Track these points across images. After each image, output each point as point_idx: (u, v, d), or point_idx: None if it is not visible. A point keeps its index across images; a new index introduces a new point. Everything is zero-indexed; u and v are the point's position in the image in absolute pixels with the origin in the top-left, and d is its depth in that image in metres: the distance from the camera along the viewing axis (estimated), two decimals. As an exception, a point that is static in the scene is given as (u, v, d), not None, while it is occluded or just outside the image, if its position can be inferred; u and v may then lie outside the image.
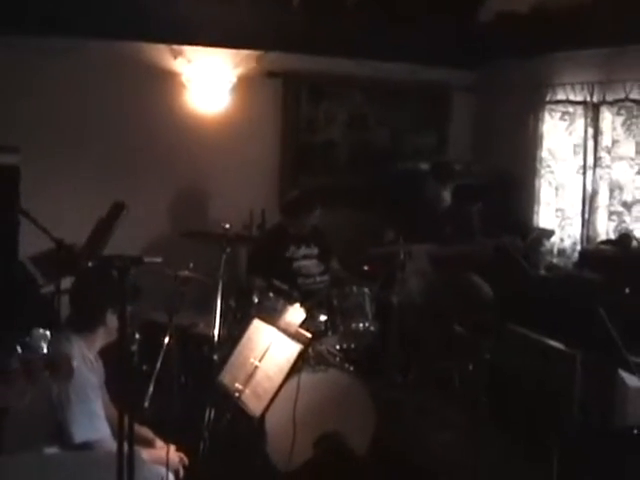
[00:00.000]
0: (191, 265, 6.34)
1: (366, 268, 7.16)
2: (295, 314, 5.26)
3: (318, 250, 7.12)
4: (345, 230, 8.11)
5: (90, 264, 4.40)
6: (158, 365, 6.11)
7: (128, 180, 7.67)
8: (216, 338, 5.97)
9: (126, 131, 7.78)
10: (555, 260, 7.94)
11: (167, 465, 4.08)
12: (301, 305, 5.53)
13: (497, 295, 7.12)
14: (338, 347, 6.21)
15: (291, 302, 5.71)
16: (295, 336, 4.89)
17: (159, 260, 3.58)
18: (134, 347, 5.35)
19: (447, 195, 7.49)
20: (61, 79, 7.48)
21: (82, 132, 7.62)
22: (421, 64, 8.63)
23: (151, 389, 5.99)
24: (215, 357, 5.88)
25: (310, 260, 7.05)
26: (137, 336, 5.38)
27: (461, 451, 5.69)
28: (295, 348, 4.73)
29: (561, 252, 7.97)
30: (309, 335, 5.03)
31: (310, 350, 5.46)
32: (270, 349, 4.90)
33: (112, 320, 4.14)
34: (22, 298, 6.08)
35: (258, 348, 5.00)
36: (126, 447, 3.14)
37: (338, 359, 5.90)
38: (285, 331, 4.98)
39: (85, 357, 4.19)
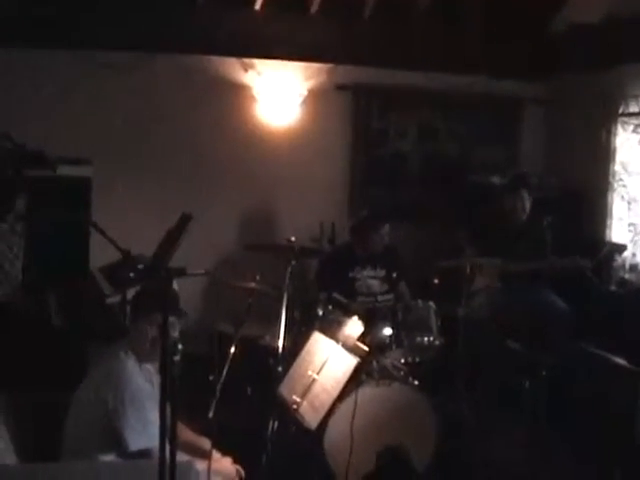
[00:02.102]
0: (258, 277, 6.36)
1: (436, 281, 7.10)
2: (354, 327, 5.27)
3: (385, 272, 7.10)
4: (414, 243, 8.08)
5: (132, 274, 4.45)
6: (223, 376, 6.14)
7: (197, 192, 7.78)
8: (280, 350, 6.00)
9: (196, 144, 7.88)
10: (627, 275, 7.79)
11: (208, 471, 4.07)
12: (362, 318, 5.54)
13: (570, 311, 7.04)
14: (403, 361, 6.18)
15: (350, 315, 5.72)
16: (353, 349, 4.90)
17: (202, 272, 3.60)
18: (177, 357, 5.37)
19: (528, 205, 7.38)
20: (132, 93, 7.62)
21: (151, 145, 7.76)
22: (492, 76, 8.55)
23: (215, 400, 6.02)
24: (280, 369, 5.90)
25: (373, 280, 7.05)
26: (180, 346, 5.41)
27: (524, 468, 5.63)
28: (352, 361, 4.74)
29: (633, 267, 7.79)
30: (367, 349, 5.04)
31: (374, 364, 5.47)
32: (328, 362, 4.92)
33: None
34: (90, 307, 6.19)
35: (316, 361, 5.01)
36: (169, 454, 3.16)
37: (402, 373, 5.87)
38: (343, 344, 4.99)
39: (143, 367, 4.25)
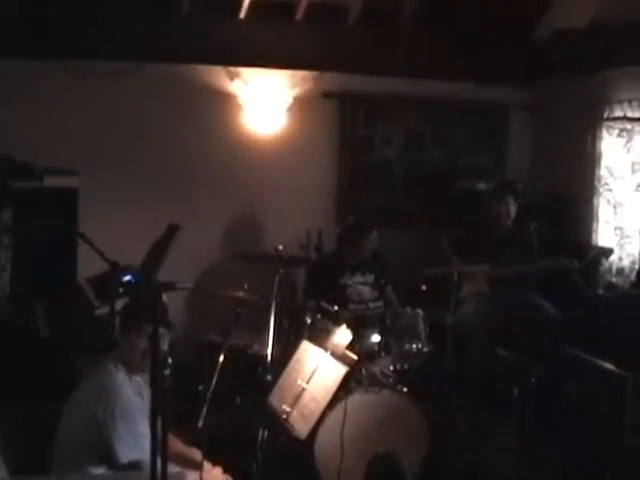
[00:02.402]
0: (246, 286, 6.36)
1: (424, 288, 7.11)
2: (342, 336, 5.27)
3: (374, 277, 7.12)
4: (402, 250, 8.09)
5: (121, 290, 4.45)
6: (212, 385, 6.13)
7: (184, 201, 7.79)
8: (269, 358, 6.01)
9: (182, 153, 7.89)
10: (614, 279, 7.83)
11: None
12: (350, 326, 5.55)
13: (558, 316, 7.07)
14: (392, 368, 6.19)
15: (339, 324, 5.73)
16: (342, 358, 4.90)
17: (190, 286, 3.60)
18: (167, 372, 5.36)
19: (514, 211, 7.41)
20: (118, 102, 7.62)
21: (138, 154, 7.76)
22: (478, 83, 8.58)
23: (205, 409, 6.01)
24: (269, 378, 5.90)
25: (364, 286, 7.06)
26: (170, 361, 5.40)
27: (514, 473, 5.64)
28: (341, 370, 4.75)
29: (620, 271, 7.83)
30: (356, 357, 5.04)
31: (363, 371, 5.47)
32: (317, 371, 4.92)
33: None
34: (78, 318, 6.18)
35: (306, 370, 5.02)
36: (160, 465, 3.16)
37: (391, 380, 5.87)
38: (332, 353, 5.00)
39: (132, 379, 4.25)
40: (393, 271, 7.36)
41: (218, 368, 6.11)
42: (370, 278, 7.10)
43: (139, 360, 4.22)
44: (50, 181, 6.70)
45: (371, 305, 6.91)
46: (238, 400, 6.42)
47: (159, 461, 3.02)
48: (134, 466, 3.99)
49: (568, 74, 8.22)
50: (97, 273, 6.19)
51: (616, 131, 7.90)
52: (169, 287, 3.18)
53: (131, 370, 4.26)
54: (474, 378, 6.79)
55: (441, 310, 6.55)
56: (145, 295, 4.00)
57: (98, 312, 6.14)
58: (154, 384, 2.98)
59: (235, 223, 8.21)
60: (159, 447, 2.98)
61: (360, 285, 7.05)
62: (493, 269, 7.10)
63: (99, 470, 4.01)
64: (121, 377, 4.17)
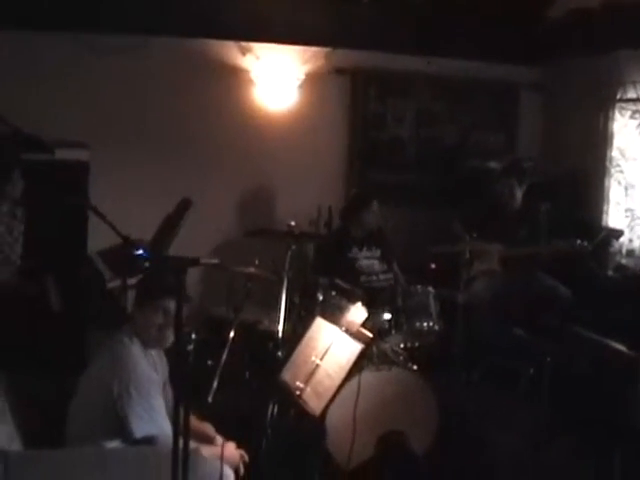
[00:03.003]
0: (257, 262, 6.36)
1: (433, 266, 7.11)
2: (357, 313, 5.27)
3: (380, 252, 7.14)
4: (413, 228, 8.09)
5: (147, 264, 4.44)
6: (222, 360, 6.15)
7: (195, 177, 7.75)
8: (280, 335, 6.01)
9: (193, 128, 7.86)
10: (624, 261, 7.81)
11: (221, 460, 4.06)
12: (364, 303, 5.55)
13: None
14: (402, 346, 6.20)
15: (354, 301, 5.73)
16: (356, 335, 4.90)
17: (216, 261, 3.59)
18: (190, 347, 5.38)
19: (520, 193, 7.40)
20: (129, 76, 7.60)
21: (149, 129, 7.73)
22: (490, 61, 8.55)
23: (215, 384, 6.03)
24: (279, 354, 5.91)
25: (372, 260, 7.07)
26: (193, 336, 5.40)
27: (524, 451, 5.65)
28: (356, 347, 4.73)
29: (630, 252, 7.82)
30: (371, 335, 5.04)
31: (374, 348, 5.47)
32: (331, 348, 4.91)
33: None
34: (89, 291, 6.18)
35: (320, 346, 5.01)
36: (181, 442, 3.15)
37: (402, 358, 5.87)
38: (347, 330, 4.99)
39: (147, 353, 4.24)
40: (403, 249, 7.37)
41: (228, 344, 6.14)
42: (377, 252, 7.15)
43: (155, 334, 4.22)
44: (61, 154, 6.69)
45: (381, 277, 6.95)
46: (247, 375, 6.43)
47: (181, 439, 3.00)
48: (148, 441, 3.98)
49: (581, 54, 8.16)
50: (107, 246, 6.18)
51: (629, 112, 7.87)
52: (194, 262, 3.16)
53: (147, 344, 4.25)
54: (484, 356, 6.79)
55: (450, 288, 6.56)
56: (165, 269, 3.96)
57: (110, 285, 6.14)
58: (178, 359, 2.96)
59: (245, 198, 8.20)
60: (182, 424, 2.96)
61: (368, 259, 7.06)
62: (505, 249, 7.11)
63: (113, 444, 4.00)
64: (136, 351, 4.16)
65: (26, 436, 4.12)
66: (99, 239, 5.96)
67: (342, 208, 7.35)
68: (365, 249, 7.13)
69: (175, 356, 3.28)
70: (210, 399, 5.96)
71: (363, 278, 6.90)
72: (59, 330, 5.99)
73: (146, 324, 4.22)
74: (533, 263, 7.22)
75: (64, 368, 5.30)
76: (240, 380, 6.34)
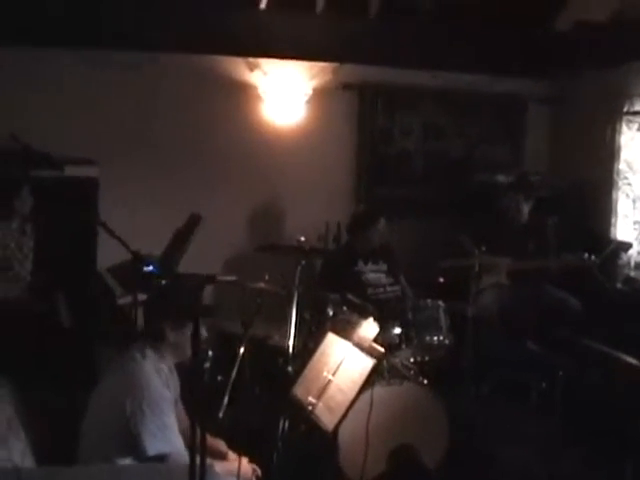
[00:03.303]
0: (267, 277, 6.36)
1: (442, 280, 7.12)
2: (369, 328, 5.27)
3: (387, 266, 7.18)
4: (420, 241, 8.09)
5: (164, 282, 4.45)
6: (233, 376, 6.14)
7: (204, 192, 7.76)
8: (291, 350, 6.01)
9: (202, 144, 7.86)
10: (632, 273, 7.81)
11: (238, 476, 4.07)
12: (375, 319, 5.55)
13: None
14: (413, 360, 6.21)
15: (365, 316, 5.73)
16: (369, 350, 4.89)
17: (233, 278, 3.60)
18: (207, 364, 5.39)
19: (526, 208, 7.42)
20: (138, 92, 7.60)
21: (158, 144, 7.73)
22: (497, 75, 8.57)
23: (226, 400, 6.02)
24: (290, 369, 5.91)
25: (379, 274, 7.09)
26: (210, 353, 5.41)
27: (536, 465, 5.64)
28: (368, 363, 4.73)
29: (638, 265, 7.84)
30: (382, 350, 5.04)
31: (384, 363, 5.46)
32: (343, 363, 4.90)
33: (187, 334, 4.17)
34: (99, 307, 6.19)
35: (332, 362, 5.01)
36: (198, 460, 3.16)
37: (412, 372, 5.87)
38: (359, 345, 4.99)
39: (159, 370, 4.24)
40: (411, 262, 7.40)
41: (239, 359, 6.13)
42: (383, 266, 7.19)
43: (170, 351, 4.24)
44: (70, 171, 6.71)
45: (388, 289, 6.96)
46: (258, 391, 6.42)
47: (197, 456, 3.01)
48: (161, 458, 3.99)
49: (588, 67, 8.18)
50: (117, 262, 6.20)
51: (636, 125, 7.89)
52: (211, 280, 3.18)
53: (161, 360, 4.25)
54: (494, 369, 6.79)
55: (459, 302, 6.56)
56: (183, 287, 3.97)
57: (120, 302, 6.14)
58: (195, 378, 2.97)
59: (254, 213, 8.20)
60: (199, 442, 2.97)
61: (374, 272, 7.09)
62: (514, 262, 7.12)
63: (125, 461, 4.01)
64: (149, 367, 4.16)
65: (38, 452, 4.13)
66: (109, 255, 5.99)
67: (348, 223, 7.36)
68: (371, 263, 7.16)
69: (191, 374, 3.28)
70: (221, 415, 5.95)
71: (370, 290, 6.92)
72: (69, 346, 5.99)
73: (186, 343, 4.19)
74: (541, 276, 7.23)
75: (75, 384, 5.30)
76: (251, 395, 6.34)
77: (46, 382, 5.52)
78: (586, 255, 6.87)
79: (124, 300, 6.09)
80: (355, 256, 7.13)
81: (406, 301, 6.73)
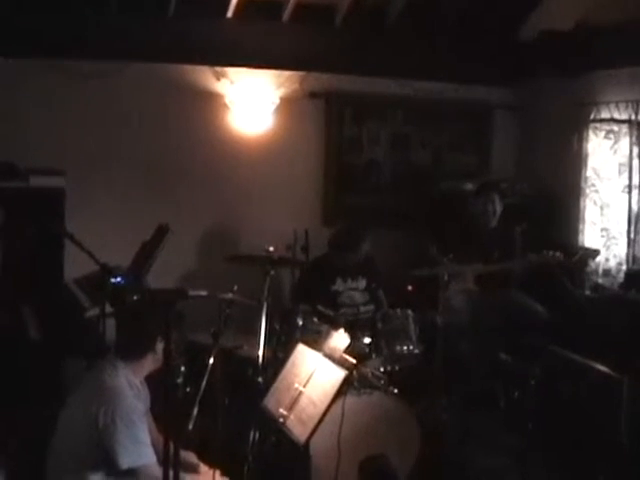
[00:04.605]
0: (235, 287, 6.33)
1: (410, 288, 7.12)
2: (340, 339, 5.26)
3: (366, 282, 7.16)
4: (389, 250, 8.08)
5: (135, 297, 4.41)
6: (202, 387, 6.10)
7: (172, 202, 7.75)
8: (260, 360, 5.98)
9: (169, 153, 7.84)
10: (600, 280, 7.85)
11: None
12: (345, 329, 5.54)
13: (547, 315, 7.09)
14: (382, 370, 6.20)
15: (335, 327, 5.72)
16: (340, 362, 4.88)
17: (204, 293, 3.58)
18: (180, 379, 5.34)
19: (499, 211, 7.43)
20: (104, 101, 7.57)
21: (124, 154, 7.71)
22: (463, 83, 8.61)
23: (195, 412, 5.98)
24: (260, 379, 5.88)
25: (355, 292, 7.08)
26: (182, 369, 5.36)
27: (507, 474, 5.65)
28: (340, 374, 4.71)
29: (606, 272, 7.86)
30: (354, 361, 5.02)
31: (354, 373, 5.45)
32: (314, 374, 4.88)
33: (160, 346, 4.14)
34: (67, 320, 6.13)
35: (302, 373, 4.98)
36: (171, 473, 3.14)
37: (383, 382, 5.87)
38: (330, 356, 4.97)
39: (131, 383, 4.21)
40: (382, 273, 7.38)
41: (208, 370, 6.10)
42: (362, 283, 7.16)
43: (147, 368, 4.23)
44: (36, 181, 6.68)
45: (362, 309, 6.95)
46: (227, 402, 6.38)
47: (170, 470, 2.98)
48: (133, 472, 3.96)
49: (554, 75, 8.22)
50: (84, 274, 6.15)
51: (603, 132, 7.92)
52: (183, 295, 3.14)
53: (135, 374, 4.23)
54: (464, 378, 6.80)
55: (427, 309, 6.57)
56: (154, 302, 3.94)
57: (88, 314, 6.08)
58: (166, 394, 2.94)
59: (221, 223, 8.17)
60: (171, 456, 2.94)
61: (351, 291, 7.08)
62: (480, 267, 7.12)
63: (97, 476, 3.98)
64: (121, 380, 4.13)
65: (7, 469, 4.09)
66: (76, 266, 5.94)
67: (332, 238, 7.27)
68: (349, 280, 7.15)
69: (162, 387, 3.25)
70: (191, 426, 5.91)
71: (344, 309, 6.89)
72: (37, 359, 5.93)
73: (157, 356, 4.18)
74: (508, 280, 7.25)
75: (42, 398, 5.26)
76: (220, 407, 6.29)
77: (13, 397, 5.47)
78: (550, 253, 6.86)
79: (92, 312, 6.04)
80: (334, 272, 7.12)
81: (376, 312, 6.72)
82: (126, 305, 4.54)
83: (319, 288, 6.94)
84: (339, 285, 7.07)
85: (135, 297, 4.36)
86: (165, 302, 3.18)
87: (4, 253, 6.27)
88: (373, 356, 6.19)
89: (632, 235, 7.61)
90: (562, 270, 7.21)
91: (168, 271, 7.03)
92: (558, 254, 6.87)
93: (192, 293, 3.32)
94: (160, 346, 4.09)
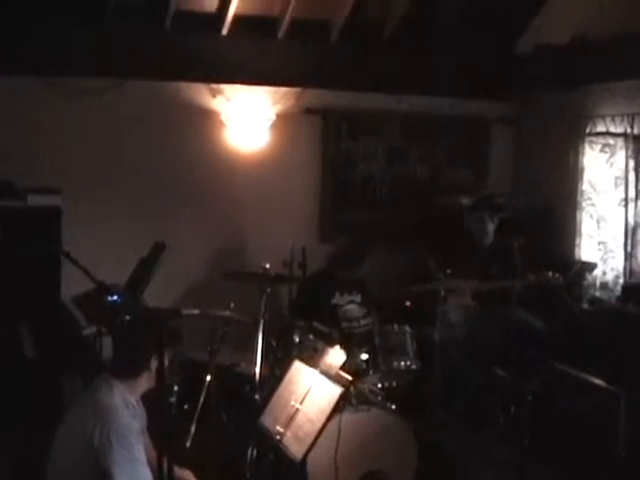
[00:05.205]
0: (232, 305, 6.32)
1: (407, 304, 7.11)
2: (336, 356, 5.26)
3: (361, 296, 7.16)
4: (386, 265, 8.08)
5: (128, 317, 4.41)
6: (200, 404, 6.10)
7: (168, 219, 7.75)
8: (257, 377, 5.98)
9: (166, 171, 7.84)
10: (598, 294, 7.84)
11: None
12: (341, 346, 5.53)
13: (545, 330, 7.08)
14: (380, 386, 6.19)
15: (331, 344, 5.71)
16: (336, 378, 4.88)
17: (197, 312, 3.57)
18: (173, 399, 5.34)
19: (491, 230, 7.43)
20: (100, 119, 7.59)
21: (121, 171, 7.71)
22: (459, 98, 8.62)
23: (193, 429, 5.98)
24: (257, 396, 5.87)
25: (352, 305, 7.08)
26: (175, 388, 5.36)
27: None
28: (336, 391, 4.72)
29: (604, 285, 7.85)
30: (350, 377, 5.01)
31: (352, 389, 5.44)
32: (311, 391, 4.88)
33: (155, 365, 4.13)
34: (64, 338, 6.12)
35: (299, 390, 4.98)
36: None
37: (380, 398, 5.86)
38: (326, 373, 4.97)
39: (127, 402, 4.19)
40: (377, 287, 7.38)
41: (205, 387, 6.10)
42: (358, 297, 7.14)
43: (142, 386, 4.21)
44: (33, 200, 6.69)
45: (362, 322, 6.94)
46: (225, 419, 6.38)
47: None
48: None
49: (550, 89, 8.22)
50: (81, 292, 6.15)
51: (599, 146, 7.92)
52: (176, 314, 3.15)
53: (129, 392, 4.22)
54: (462, 393, 6.78)
55: (425, 325, 6.56)
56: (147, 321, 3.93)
57: (85, 332, 6.07)
58: (160, 413, 2.94)
59: (219, 240, 8.16)
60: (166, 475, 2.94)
61: (350, 304, 7.06)
62: (479, 283, 7.12)
63: (92, 494, 3.96)
64: (117, 399, 4.11)
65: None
66: (73, 285, 5.94)
67: (334, 254, 7.27)
68: (346, 294, 7.14)
69: (157, 408, 3.24)
70: (188, 444, 5.90)
71: (344, 324, 6.88)
72: (34, 377, 5.91)
73: (152, 380, 4.17)
74: (507, 297, 7.24)
75: (39, 417, 5.25)
76: (218, 424, 6.29)
77: (9, 414, 5.46)
78: (550, 273, 6.86)
79: (89, 330, 6.03)
80: (332, 286, 7.12)
81: (373, 328, 6.71)
82: (119, 324, 4.53)
83: (318, 303, 6.92)
84: (338, 299, 7.07)
85: (127, 317, 4.36)
86: (158, 321, 3.17)
87: (1, 271, 6.27)
88: (370, 372, 6.19)
89: (629, 248, 7.60)
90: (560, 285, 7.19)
91: (165, 288, 7.01)
92: (557, 275, 6.87)
93: (185, 312, 3.31)
94: (155, 364, 4.09)
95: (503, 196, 8.39)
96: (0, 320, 6.18)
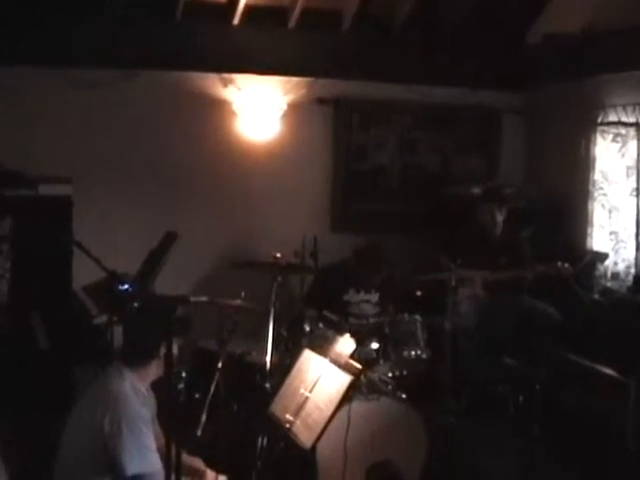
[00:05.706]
0: (243, 294, 6.33)
1: (418, 293, 7.11)
2: (345, 345, 5.26)
3: (379, 296, 7.09)
4: (397, 255, 8.06)
5: (136, 304, 4.42)
6: (210, 393, 6.11)
7: (179, 209, 7.78)
8: (268, 366, 5.98)
9: (177, 160, 7.87)
10: (609, 284, 7.82)
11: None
12: (351, 335, 5.53)
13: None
14: (390, 375, 6.19)
15: (341, 332, 5.72)
16: (345, 367, 4.89)
17: (205, 299, 3.58)
18: (181, 385, 5.34)
19: (501, 219, 7.42)
20: (111, 109, 7.62)
21: (132, 161, 7.75)
22: (470, 87, 8.61)
23: (204, 418, 5.99)
24: (267, 385, 5.88)
25: (367, 304, 7.04)
26: (184, 375, 5.36)
27: (514, 478, 5.63)
28: (345, 379, 4.73)
29: (615, 276, 7.83)
30: (359, 366, 5.02)
31: (362, 378, 5.45)
32: (320, 380, 4.89)
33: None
34: (76, 328, 6.14)
35: (309, 379, 4.99)
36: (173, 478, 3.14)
37: (390, 387, 5.86)
38: (335, 362, 4.98)
39: (137, 390, 4.20)
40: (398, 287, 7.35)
41: (216, 376, 6.11)
42: (375, 297, 7.06)
43: (152, 374, 4.23)
44: (44, 189, 6.70)
45: (372, 320, 6.88)
46: (235, 408, 6.39)
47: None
48: (139, 478, 3.96)
49: (561, 78, 8.20)
50: (92, 281, 6.17)
51: (610, 136, 7.89)
52: (184, 300, 3.16)
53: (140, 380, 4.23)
54: (472, 382, 6.79)
55: (435, 314, 6.55)
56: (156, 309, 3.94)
57: (96, 321, 6.10)
58: (168, 399, 2.95)
59: (229, 230, 8.18)
60: (173, 461, 2.95)
61: (363, 303, 7.02)
62: (490, 274, 7.11)
63: (102, 482, 3.98)
64: (127, 387, 4.12)
65: (14, 474, 4.10)
66: (84, 274, 5.95)
67: (359, 251, 7.07)
68: (363, 292, 7.06)
69: (165, 394, 3.26)
70: (199, 432, 5.92)
71: (352, 320, 6.82)
72: (46, 367, 5.94)
73: (160, 368, 4.18)
74: (517, 287, 7.24)
75: (52, 406, 5.27)
76: (228, 412, 6.31)
77: (22, 404, 5.48)
78: (560, 263, 6.85)
79: (100, 319, 6.06)
80: (349, 281, 7.05)
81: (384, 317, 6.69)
82: (127, 312, 4.55)
83: (330, 296, 6.90)
84: (351, 296, 6.99)
85: (135, 304, 4.37)
86: (166, 308, 3.18)
87: (13, 261, 6.29)
88: (381, 361, 6.19)
89: (641, 238, 7.60)
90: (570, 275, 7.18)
91: (177, 278, 7.03)
92: (567, 266, 6.86)
93: (193, 299, 3.33)
94: (164, 352, 4.10)
95: (514, 186, 8.37)
96: (12, 311, 6.20)
